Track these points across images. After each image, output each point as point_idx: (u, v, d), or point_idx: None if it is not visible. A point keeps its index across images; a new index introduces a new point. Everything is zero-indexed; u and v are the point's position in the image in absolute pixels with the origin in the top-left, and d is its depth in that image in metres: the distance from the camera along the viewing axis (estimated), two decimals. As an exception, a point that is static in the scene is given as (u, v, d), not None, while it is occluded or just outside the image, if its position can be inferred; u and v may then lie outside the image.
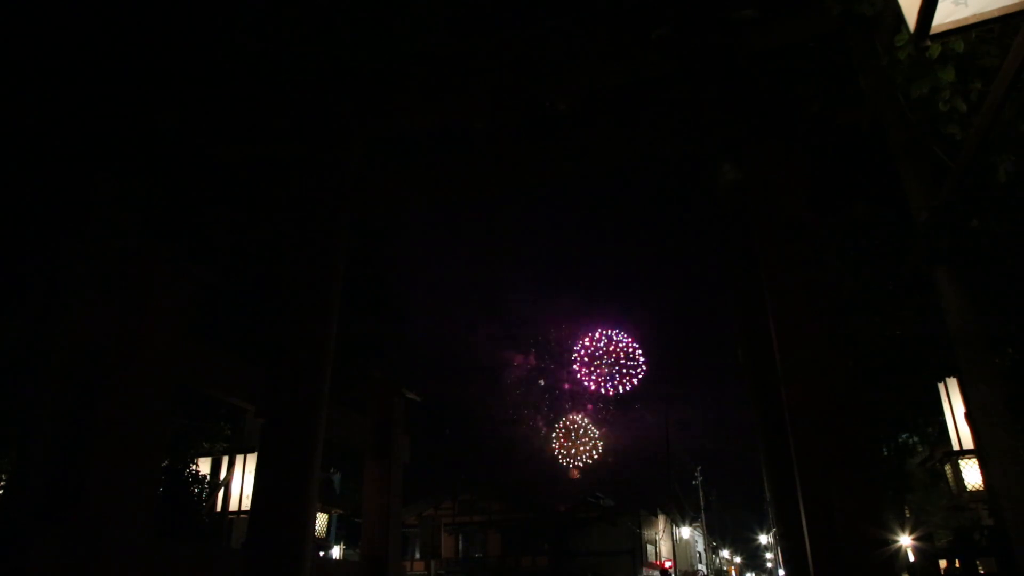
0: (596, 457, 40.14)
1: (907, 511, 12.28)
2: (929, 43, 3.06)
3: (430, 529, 34.93)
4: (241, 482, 8.72)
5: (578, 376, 41.54)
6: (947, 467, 6.63)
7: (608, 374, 41.41)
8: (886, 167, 5.41)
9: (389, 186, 7.46)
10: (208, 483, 9.07)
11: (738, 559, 56.58)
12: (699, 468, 43.64)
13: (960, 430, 6.28)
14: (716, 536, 52.30)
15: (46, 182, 6.22)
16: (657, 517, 38.08)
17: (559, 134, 6.81)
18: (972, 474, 6.18)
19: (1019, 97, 3.66)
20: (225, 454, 9.29)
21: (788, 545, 6.32)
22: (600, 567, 31.20)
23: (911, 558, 8.54)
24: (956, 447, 6.31)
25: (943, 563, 6.98)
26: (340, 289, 6.95)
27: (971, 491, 6.18)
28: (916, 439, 11.80)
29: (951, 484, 6.57)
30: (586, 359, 42.07)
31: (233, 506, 8.73)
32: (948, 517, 11.69)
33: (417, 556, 34.86)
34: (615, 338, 43.01)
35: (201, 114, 6.69)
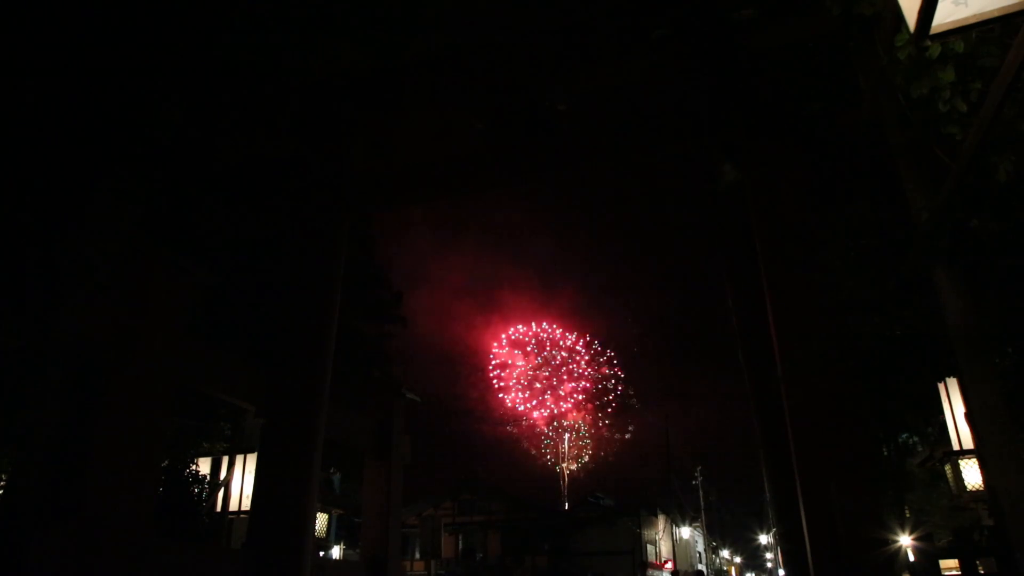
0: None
1: (907, 511, 12.27)
2: (929, 43, 3.06)
3: (430, 529, 34.91)
4: (241, 482, 8.72)
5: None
6: (947, 467, 6.63)
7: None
8: (886, 167, 5.41)
9: (389, 186, 7.46)
10: (208, 483, 9.06)
11: (738, 559, 56.57)
12: (699, 468, 43.66)
13: (960, 430, 6.27)
14: (716, 536, 52.27)
15: (46, 181, 6.21)
16: (657, 517, 38.07)
17: (559, 134, 6.81)
18: (972, 474, 6.18)
19: (1019, 97, 3.66)
20: (225, 454, 9.28)
21: (788, 545, 6.32)
22: (600, 567, 31.18)
23: (911, 558, 8.53)
24: (956, 447, 6.31)
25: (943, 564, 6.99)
26: (340, 289, 6.95)
27: (971, 491, 6.18)
28: (916, 439, 11.80)
29: (951, 484, 6.57)
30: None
31: (233, 506, 8.73)
32: (948, 517, 11.69)
33: (417, 556, 34.85)
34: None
35: (202, 115, 6.69)
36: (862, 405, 6.24)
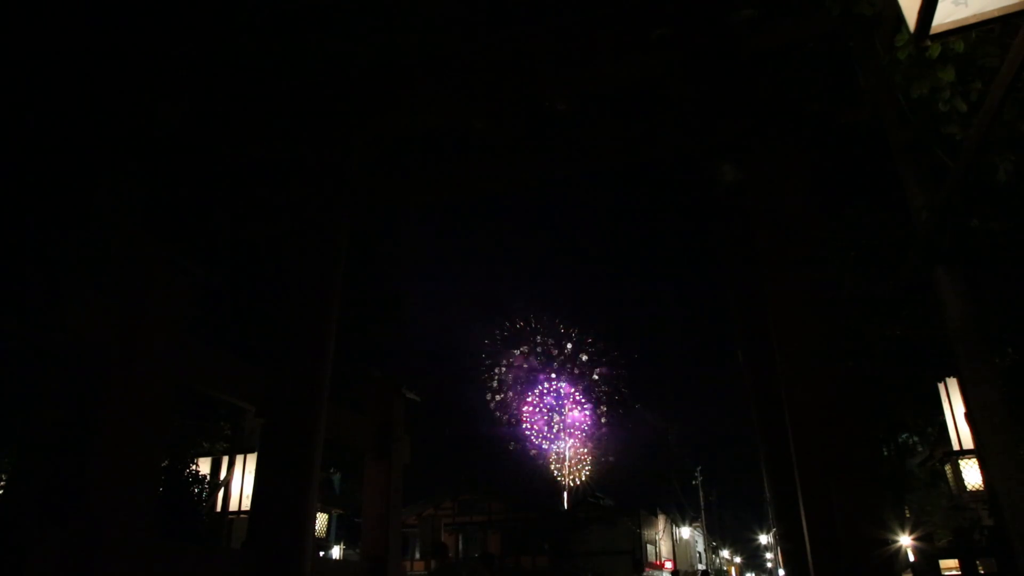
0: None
1: (907, 511, 12.27)
2: (929, 43, 3.06)
3: (430, 529, 34.91)
4: (241, 482, 8.72)
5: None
6: (947, 467, 6.65)
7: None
8: (886, 167, 5.41)
9: (389, 186, 7.46)
10: (208, 483, 9.06)
11: (738, 559, 56.56)
12: (699, 468, 43.63)
13: (960, 430, 6.28)
14: (716, 536, 52.27)
15: (47, 182, 6.21)
16: (657, 517, 38.09)
17: (559, 134, 6.81)
18: (972, 474, 6.19)
19: (1019, 97, 3.66)
20: (225, 454, 9.29)
21: (788, 545, 6.32)
22: (600, 567, 31.20)
23: (911, 558, 8.53)
24: (956, 447, 6.32)
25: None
26: (340, 289, 6.95)
27: (971, 491, 6.19)
28: (916, 439, 11.80)
29: (951, 484, 6.58)
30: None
31: (233, 506, 8.73)
32: (948, 517, 11.69)
33: (417, 556, 34.87)
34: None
35: (202, 114, 6.69)
36: (862, 405, 6.24)
